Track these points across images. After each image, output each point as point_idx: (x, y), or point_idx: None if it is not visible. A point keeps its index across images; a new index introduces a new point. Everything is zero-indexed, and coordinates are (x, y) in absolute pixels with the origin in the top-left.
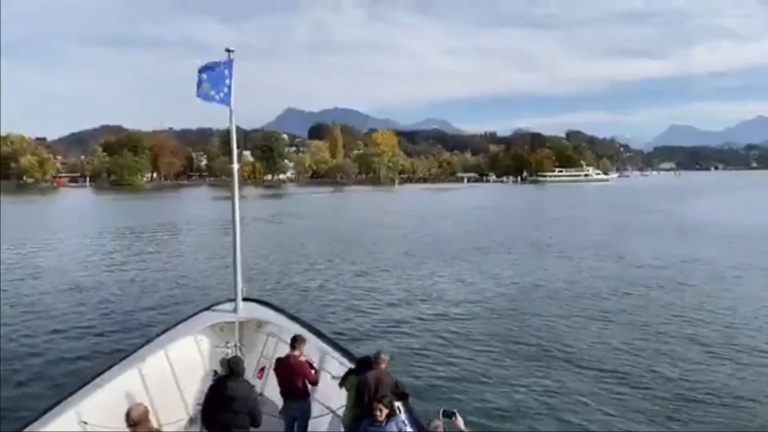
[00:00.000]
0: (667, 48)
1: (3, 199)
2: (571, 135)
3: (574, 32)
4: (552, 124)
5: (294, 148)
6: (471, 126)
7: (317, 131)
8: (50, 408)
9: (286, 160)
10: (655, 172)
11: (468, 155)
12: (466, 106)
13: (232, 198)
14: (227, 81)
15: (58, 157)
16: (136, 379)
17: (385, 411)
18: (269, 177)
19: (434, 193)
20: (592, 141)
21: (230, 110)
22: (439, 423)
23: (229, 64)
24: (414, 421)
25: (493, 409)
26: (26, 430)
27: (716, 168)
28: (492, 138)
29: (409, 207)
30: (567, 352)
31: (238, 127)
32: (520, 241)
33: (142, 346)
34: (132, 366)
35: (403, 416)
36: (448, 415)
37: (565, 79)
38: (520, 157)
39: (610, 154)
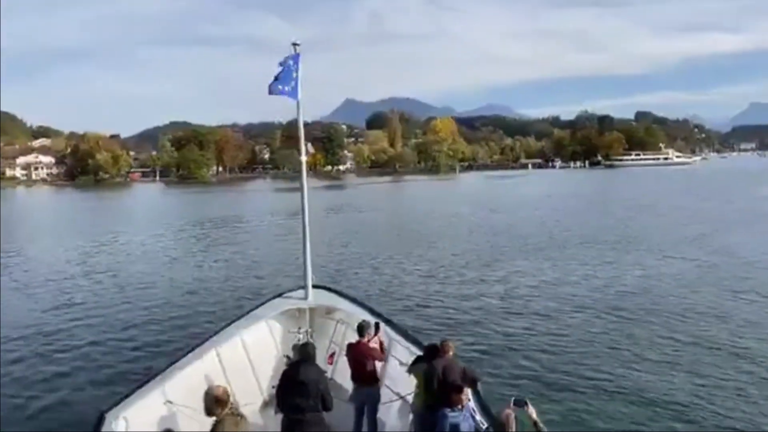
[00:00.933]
0: (743, 21)
1: (83, 195)
2: (640, 116)
3: (640, 9)
4: (619, 106)
5: (352, 139)
6: (533, 111)
7: (375, 121)
8: (138, 387)
9: (345, 151)
10: (735, 153)
11: (531, 140)
12: (527, 90)
13: (301, 189)
14: (294, 74)
15: (131, 153)
16: (215, 362)
17: (465, 397)
18: (329, 168)
19: (498, 181)
20: (662, 122)
21: (298, 103)
22: (510, 411)
23: (296, 57)
24: (484, 408)
25: (571, 409)
26: (118, 407)
27: None
28: (555, 122)
29: (473, 196)
30: (669, 366)
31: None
32: (605, 233)
33: (219, 331)
34: (210, 350)
35: (472, 404)
36: (520, 403)
37: (633, 59)
38: (587, 141)
39: (683, 136)
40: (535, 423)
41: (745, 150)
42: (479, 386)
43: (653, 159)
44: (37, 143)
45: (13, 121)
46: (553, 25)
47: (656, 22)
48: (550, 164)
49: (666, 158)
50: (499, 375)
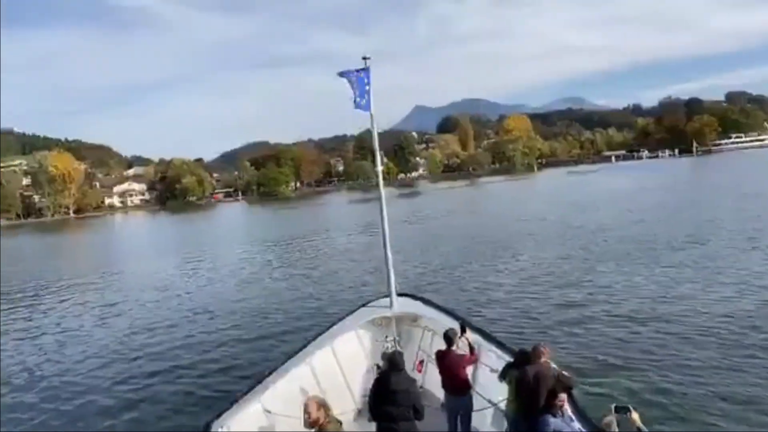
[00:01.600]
0: None
1: (173, 218)
2: (732, 97)
3: None
4: (707, 88)
5: (424, 145)
6: (611, 101)
7: (446, 125)
8: (238, 399)
9: (417, 158)
10: None
11: (612, 131)
12: (603, 79)
13: (379, 199)
14: (366, 87)
15: (214, 175)
16: (308, 373)
17: (560, 403)
18: (402, 175)
19: (581, 177)
20: (759, 101)
21: (371, 115)
22: (612, 419)
23: (366, 71)
24: (581, 414)
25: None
26: (220, 418)
27: None
28: (637, 111)
29: (555, 195)
30: None
31: (368, 130)
32: (722, 229)
33: (310, 341)
34: (303, 360)
35: (569, 410)
36: (622, 410)
37: (719, 36)
38: (675, 128)
39: None
40: (638, 430)
41: None
42: (574, 392)
43: (757, 140)
44: (131, 172)
45: (109, 153)
46: (627, 9)
47: None
48: (636, 155)
49: None
50: (601, 387)
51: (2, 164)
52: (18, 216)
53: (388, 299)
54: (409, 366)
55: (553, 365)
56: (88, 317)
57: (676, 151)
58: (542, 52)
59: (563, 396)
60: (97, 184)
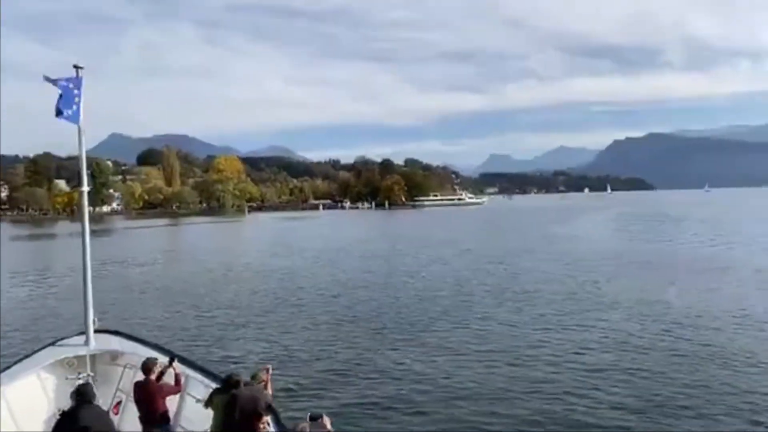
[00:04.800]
0: (487, 85)
1: None
2: (410, 163)
3: (408, 67)
4: (392, 153)
5: (120, 177)
6: (315, 154)
7: (147, 157)
8: None
9: (111, 190)
10: (486, 197)
11: (318, 182)
12: (308, 134)
13: (81, 223)
14: (76, 99)
15: None
16: None
17: (263, 425)
18: (91, 209)
19: (295, 223)
20: (427, 168)
21: (79, 128)
22: (305, 425)
23: (78, 81)
24: (278, 422)
25: None
26: None
27: (534, 192)
28: (336, 165)
29: (281, 246)
30: None
31: (49, 154)
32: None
33: None
34: None
35: (272, 428)
36: (315, 417)
37: (402, 111)
38: (371, 183)
39: (446, 181)
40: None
41: (491, 194)
42: (277, 412)
43: (449, 200)
44: None
45: None
46: (330, 74)
47: (419, 80)
48: (339, 205)
49: (460, 199)
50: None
51: None
52: None
53: (83, 336)
54: (105, 408)
55: (269, 389)
56: None
57: (373, 204)
58: (253, 99)
59: (266, 417)
60: None
